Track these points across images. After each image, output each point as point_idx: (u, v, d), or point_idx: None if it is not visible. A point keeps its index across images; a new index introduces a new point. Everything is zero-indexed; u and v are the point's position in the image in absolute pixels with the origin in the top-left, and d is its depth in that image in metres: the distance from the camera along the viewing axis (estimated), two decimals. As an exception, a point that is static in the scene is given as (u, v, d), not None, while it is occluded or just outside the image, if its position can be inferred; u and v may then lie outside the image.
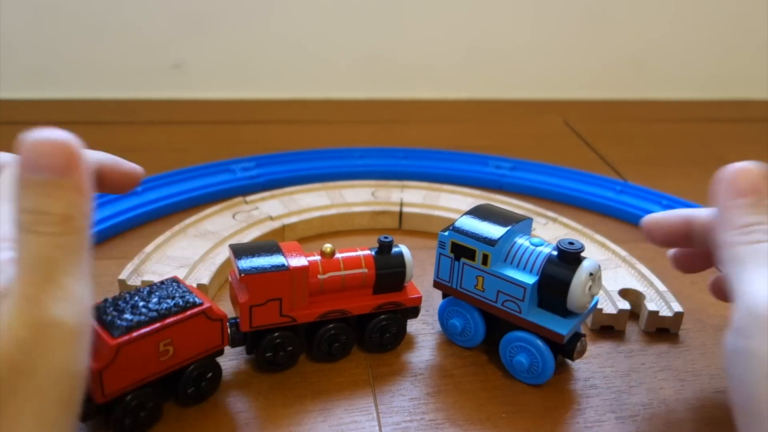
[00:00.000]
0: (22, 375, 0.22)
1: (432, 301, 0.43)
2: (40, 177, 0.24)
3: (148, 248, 0.44)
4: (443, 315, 0.39)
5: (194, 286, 0.40)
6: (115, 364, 0.29)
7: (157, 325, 0.30)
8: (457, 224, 0.37)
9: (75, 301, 0.24)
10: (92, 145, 0.73)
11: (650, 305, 0.41)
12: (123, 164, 0.33)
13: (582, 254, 0.34)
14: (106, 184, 0.32)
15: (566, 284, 0.34)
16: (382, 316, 0.37)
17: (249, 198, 0.52)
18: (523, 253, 0.35)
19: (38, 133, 0.25)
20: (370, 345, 0.38)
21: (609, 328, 0.41)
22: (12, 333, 0.22)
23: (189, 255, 0.44)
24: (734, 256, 0.30)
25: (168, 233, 0.46)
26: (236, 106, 0.81)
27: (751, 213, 0.30)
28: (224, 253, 0.45)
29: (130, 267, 0.42)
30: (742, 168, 0.31)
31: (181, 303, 0.31)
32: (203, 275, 0.42)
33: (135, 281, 0.40)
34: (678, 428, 0.34)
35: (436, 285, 0.38)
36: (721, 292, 0.37)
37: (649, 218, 0.36)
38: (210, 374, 0.33)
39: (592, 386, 0.36)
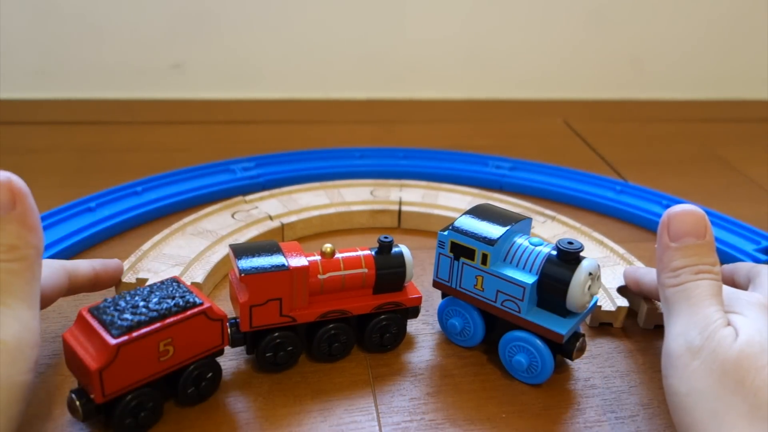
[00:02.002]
0: None
1: (432, 301, 0.43)
2: None
3: (145, 246, 0.44)
4: (443, 315, 0.39)
5: (188, 284, 0.41)
6: (115, 364, 0.29)
7: (158, 325, 0.30)
8: (456, 224, 0.37)
9: (18, 319, 0.28)
10: (92, 145, 0.73)
11: (648, 302, 0.41)
12: (109, 264, 0.39)
13: (581, 254, 0.34)
14: (101, 282, 0.38)
15: (565, 284, 0.34)
16: (382, 316, 0.37)
17: (248, 197, 0.52)
18: (523, 253, 0.35)
19: None
20: (370, 345, 0.38)
21: (608, 325, 0.42)
22: None
23: (185, 253, 0.44)
24: (666, 297, 0.33)
25: (166, 231, 0.46)
26: (236, 106, 0.81)
27: (681, 256, 0.32)
28: (221, 252, 0.45)
29: (126, 264, 0.42)
30: (677, 212, 0.33)
31: (181, 303, 0.31)
32: (198, 273, 0.42)
33: (130, 278, 0.40)
34: (677, 428, 0.34)
35: (436, 285, 0.38)
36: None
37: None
38: (210, 374, 0.33)
39: (592, 386, 0.36)
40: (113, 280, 0.39)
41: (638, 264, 0.46)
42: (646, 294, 0.41)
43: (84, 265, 0.37)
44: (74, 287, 0.36)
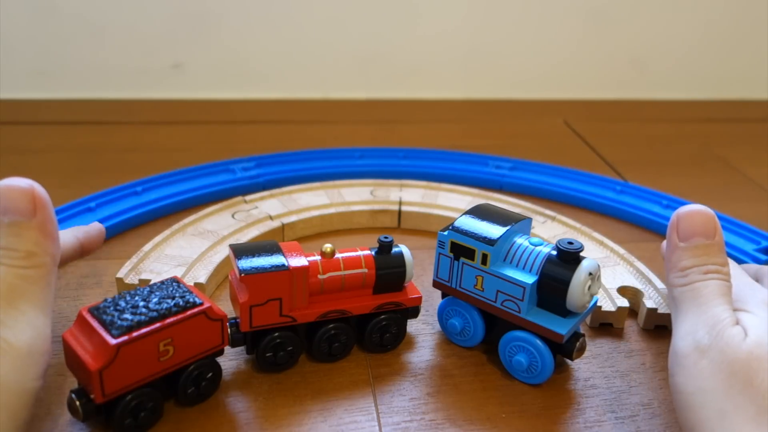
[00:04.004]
0: None
1: (432, 301, 0.43)
2: (10, 219, 0.29)
3: (147, 247, 0.44)
4: (443, 315, 0.39)
5: (191, 285, 0.40)
6: (115, 364, 0.29)
7: (157, 325, 0.30)
8: (456, 224, 0.37)
9: (32, 325, 0.28)
10: (92, 145, 0.73)
11: (648, 302, 0.41)
12: (91, 230, 0.39)
13: (581, 254, 0.34)
14: (86, 250, 0.38)
15: (565, 284, 0.34)
16: (382, 316, 0.37)
17: (248, 197, 0.52)
18: (523, 253, 0.35)
19: (8, 180, 0.29)
20: (370, 345, 0.38)
21: (608, 326, 0.42)
22: None
23: (187, 254, 0.44)
24: (674, 297, 0.33)
25: (167, 232, 0.46)
26: (236, 106, 0.81)
27: (690, 256, 0.32)
28: (222, 252, 0.45)
29: (128, 265, 0.42)
30: (686, 212, 0.33)
31: (181, 303, 0.31)
32: (200, 274, 0.42)
33: (133, 279, 0.40)
34: (678, 428, 0.34)
35: (436, 285, 0.38)
36: None
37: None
38: (210, 374, 0.33)
39: (592, 386, 0.36)
40: (97, 244, 0.39)
41: (639, 264, 0.45)
42: None
43: (68, 237, 0.37)
44: (62, 261, 0.36)
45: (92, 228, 0.39)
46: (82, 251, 0.38)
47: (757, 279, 0.37)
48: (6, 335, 0.27)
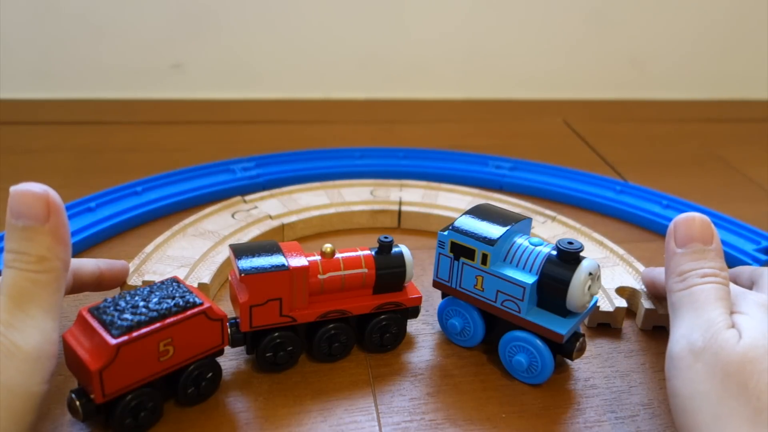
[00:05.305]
0: None
1: (432, 301, 0.43)
2: (23, 223, 0.29)
3: (148, 248, 0.44)
4: (443, 315, 0.39)
5: (195, 285, 0.40)
6: (115, 364, 0.29)
7: (157, 325, 0.30)
8: (456, 224, 0.37)
9: (40, 329, 0.28)
10: (92, 145, 0.72)
11: (647, 303, 0.41)
12: (115, 265, 0.39)
13: (581, 254, 0.34)
14: (106, 282, 0.38)
15: (565, 284, 0.34)
16: (382, 317, 0.37)
17: (248, 197, 0.52)
18: (523, 253, 0.35)
19: (23, 185, 0.30)
20: (370, 345, 0.38)
21: (606, 326, 0.42)
22: None
23: (189, 255, 0.44)
24: (673, 301, 0.33)
25: (167, 233, 0.46)
26: (236, 106, 0.81)
27: (687, 261, 0.33)
28: (224, 253, 0.45)
29: (131, 267, 0.42)
30: (683, 219, 0.34)
31: (181, 303, 0.31)
32: (204, 274, 0.42)
33: (136, 281, 0.40)
34: (677, 428, 0.34)
35: (436, 285, 0.38)
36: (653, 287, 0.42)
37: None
38: (210, 374, 0.33)
39: (592, 386, 0.36)
40: (118, 281, 0.39)
41: (638, 264, 0.46)
42: (661, 295, 0.40)
43: (89, 264, 0.37)
44: (78, 286, 0.36)
45: (117, 262, 0.39)
46: (101, 280, 0.37)
47: (753, 281, 0.37)
48: (15, 338, 0.27)
